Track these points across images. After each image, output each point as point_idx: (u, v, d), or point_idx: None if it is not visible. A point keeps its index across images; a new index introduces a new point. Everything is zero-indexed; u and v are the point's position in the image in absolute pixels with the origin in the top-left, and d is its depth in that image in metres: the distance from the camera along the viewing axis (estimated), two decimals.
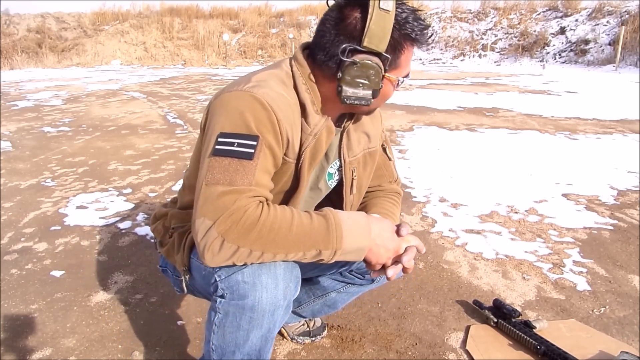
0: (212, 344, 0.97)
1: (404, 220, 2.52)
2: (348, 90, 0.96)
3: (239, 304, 0.90)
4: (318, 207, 1.23)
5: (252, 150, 0.88)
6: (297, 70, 1.01)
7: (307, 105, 0.99)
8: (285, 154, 0.97)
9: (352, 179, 1.14)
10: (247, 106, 0.90)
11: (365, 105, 0.98)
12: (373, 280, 1.26)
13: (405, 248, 0.98)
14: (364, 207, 1.22)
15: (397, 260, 0.97)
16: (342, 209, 1.14)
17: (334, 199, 1.18)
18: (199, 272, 1.03)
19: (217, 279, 0.92)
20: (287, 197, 1.04)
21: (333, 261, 0.90)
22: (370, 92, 0.96)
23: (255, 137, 0.89)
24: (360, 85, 0.95)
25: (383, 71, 0.95)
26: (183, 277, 1.09)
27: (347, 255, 0.91)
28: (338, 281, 1.30)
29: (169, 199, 1.92)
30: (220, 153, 0.88)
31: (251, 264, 0.88)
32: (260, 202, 0.88)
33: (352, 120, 1.11)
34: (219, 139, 0.89)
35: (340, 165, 1.13)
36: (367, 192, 1.25)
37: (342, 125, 1.11)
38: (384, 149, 1.25)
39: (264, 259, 0.86)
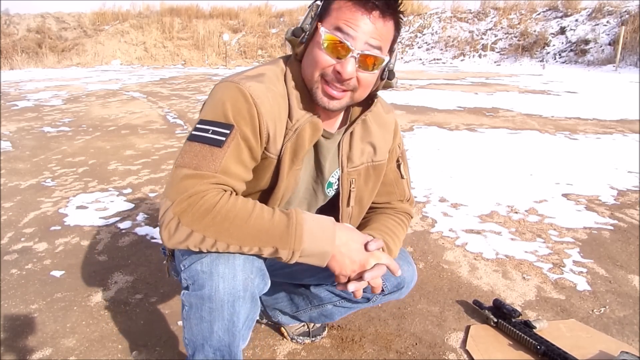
0: (185, 337, 0.97)
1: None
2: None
3: (198, 294, 0.89)
4: None
5: (224, 139, 0.90)
6: (290, 67, 1.02)
7: (292, 101, 0.99)
8: (266, 149, 0.97)
9: (350, 190, 1.11)
10: (229, 97, 0.92)
11: (288, 39, 0.99)
12: (369, 299, 1.23)
13: (374, 265, 0.95)
14: (365, 223, 1.18)
15: (361, 276, 0.94)
16: (338, 221, 1.11)
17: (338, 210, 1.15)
18: (177, 258, 1.04)
19: (182, 269, 0.93)
20: (269, 194, 1.03)
21: (293, 262, 0.88)
22: (296, 28, 0.97)
23: (229, 126, 0.91)
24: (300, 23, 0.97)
25: (315, 14, 0.95)
26: (167, 262, 1.11)
27: (308, 258, 0.89)
28: (334, 294, 1.28)
29: None
30: (195, 138, 0.91)
31: (207, 252, 0.87)
32: (224, 190, 0.88)
33: (354, 125, 1.08)
34: (197, 125, 0.93)
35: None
36: (374, 208, 1.21)
37: (344, 131, 1.08)
38: (399, 166, 1.20)
39: (218, 247, 0.85)
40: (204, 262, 0.88)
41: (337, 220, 1.10)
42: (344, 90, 0.96)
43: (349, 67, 0.92)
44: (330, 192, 1.14)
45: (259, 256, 0.91)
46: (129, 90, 8.91)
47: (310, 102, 1.01)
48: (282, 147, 0.98)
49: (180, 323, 1.57)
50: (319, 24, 0.94)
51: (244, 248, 0.86)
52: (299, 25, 0.96)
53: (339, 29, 0.91)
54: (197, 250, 0.86)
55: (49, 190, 3.00)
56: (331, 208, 1.16)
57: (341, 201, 1.12)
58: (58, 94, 8.32)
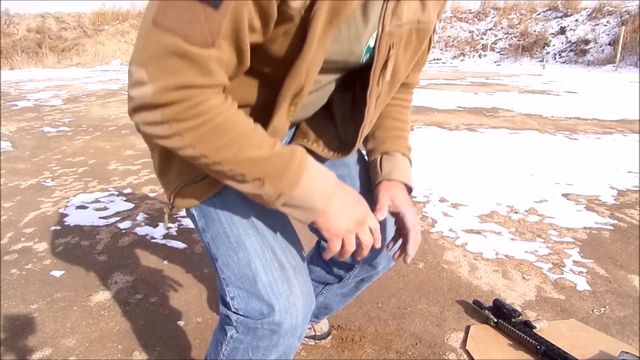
0: None
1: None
2: None
3: (254, 344, 0.86)
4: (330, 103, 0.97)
5: None
6: None
7: None
8: (282, 1, 0.63)
9: (388, 57, 0.80)
10: None
11: None
12: (350, 268, 1.14)
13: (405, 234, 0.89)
14: (377, 144, 1.00)
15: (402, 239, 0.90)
16: (365, 96, 0.85)
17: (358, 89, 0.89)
18: (212, 225, 0.86)
19: (233, 310, 0.86)
20: (286, 66, 0.71)
21: (273, 207, 0.73)
22: None
23: None
24: None
25: None
26: (167, 211, 0.90)
27: (292, 209, 0.73)
28: (317, 282, 1.24)
29: None
30: None
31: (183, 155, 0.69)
32: (224, 96, 0.68)
33: None
34: None
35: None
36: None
37: None
38: (434, 31, 0.93)
39: (200, 162, 0.69)
40: (264, 321, 0.83)
41: (365, 95, 0.84)
42: None
43: None
44: (365, 59, 0.82)
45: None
46: None
47: None
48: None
49: (180, 323, 1.57)
50: None
51: (224, 166, 0.68)
52: None
53: None
54: (170, 147, 0.68)
55: (49, 190, 3.00)
56: (344, 88, 0.93)
57: (373, 70, 0.81)
58: (58, 94, 8.32)
